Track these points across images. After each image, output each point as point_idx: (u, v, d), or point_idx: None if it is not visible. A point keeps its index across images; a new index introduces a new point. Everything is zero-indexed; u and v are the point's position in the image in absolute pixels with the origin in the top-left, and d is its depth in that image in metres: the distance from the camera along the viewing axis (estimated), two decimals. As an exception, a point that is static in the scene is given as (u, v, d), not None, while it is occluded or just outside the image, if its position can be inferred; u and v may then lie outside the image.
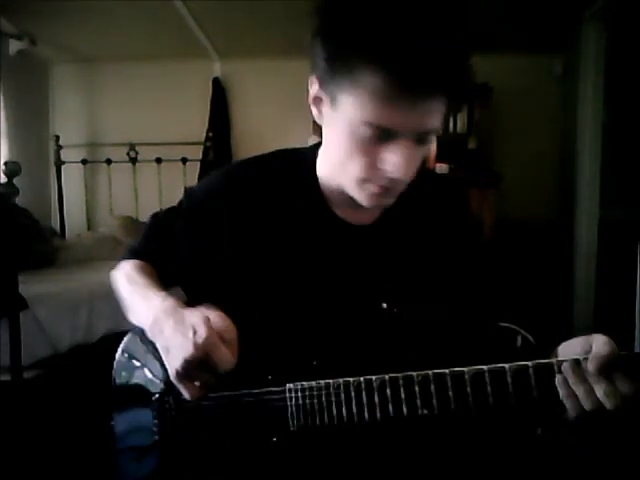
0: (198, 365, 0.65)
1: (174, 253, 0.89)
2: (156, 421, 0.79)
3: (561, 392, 0.60)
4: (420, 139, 0.67)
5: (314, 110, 0.73)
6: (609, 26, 3.00)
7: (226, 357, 0.65)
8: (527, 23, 3.14)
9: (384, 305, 0.80)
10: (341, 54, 0.62)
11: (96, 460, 1.81)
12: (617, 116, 3.15)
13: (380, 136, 0.66)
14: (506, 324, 0.75)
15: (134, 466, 0.80)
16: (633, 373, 0.58)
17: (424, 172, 0.92)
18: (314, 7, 0.64)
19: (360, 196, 0.73)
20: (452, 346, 0.78)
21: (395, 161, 0.66)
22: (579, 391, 0.59)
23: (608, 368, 0.58)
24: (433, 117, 0.65)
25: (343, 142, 0.69)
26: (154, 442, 0.79)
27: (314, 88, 0.70)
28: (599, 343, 0.59)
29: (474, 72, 0.66)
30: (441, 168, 3.12)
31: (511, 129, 3.58)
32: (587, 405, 0.59)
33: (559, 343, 0.65)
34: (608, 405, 0.57)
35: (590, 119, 3.11)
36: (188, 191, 0.92)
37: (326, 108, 0.70)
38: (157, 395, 0.79)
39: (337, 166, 0.74)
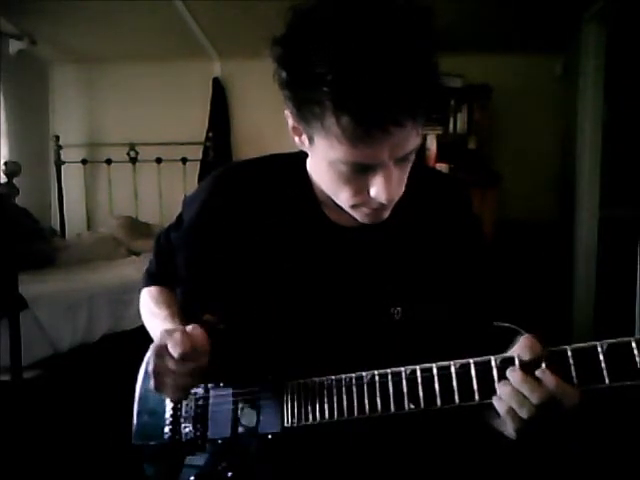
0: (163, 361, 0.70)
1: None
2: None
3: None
4: (400, 160, 0.67)
5: (296, 139, 0.73)
6: (609, 26, 3.00)
7: (175, 341, 0.68)
8: (527, 23, 3.14)
9: (383, 305, 0.80)
10: (306, 102, 0.62)
11: (96, 459, 1.81)
12: (617, 116, 3.15)
13: (358, 169, 0.66)
14: (506, 324, 0.75)
15: None
16: (558, 368, 0.59)
17: (424, 170, 0.92)
18: (273, 38, 0.64)
19: (356, 216, 0.74)
20: (452, 346, 0.78)
21: (378, 188, 0.67)
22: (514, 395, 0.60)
23: (532, 363, 0.60)
24: (408, 142, 0.64)
25: (327, 173, 0.70)
26: None
27: (290, 121, 0.70)
28: (521, 342, 0.62)
29: (442, 84, 0.65)
30: (441, 168, 3.12)
31: (511, 129, 3.58)
32: (521, 410, 0.59)
33: (559, 343, 0.65)
34: (534, 400, 0.59)
35: (590, 119, 3.10)
36: (184, 200, 0.92)
37: (305, 140, 0.70)
38: None
39: (329, 191, 0.74)
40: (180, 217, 0.92)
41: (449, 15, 3.04)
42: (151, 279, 0.99)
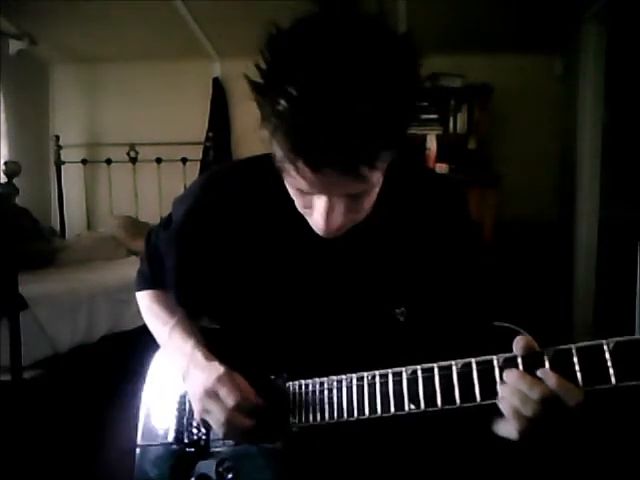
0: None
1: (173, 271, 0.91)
2: None
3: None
4: (348, 196, 0.64)
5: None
6: (609, 26, 3.00)
7: (227, 394, 0.73)
8: (527, 23, 3.14)
9: (387, 306, 0.80)
10: (264, 115, 0.62)
11: (96, 459, 1.81)
12: (617, 116, 3.15)
13: (301, 192, 0.64)
14: (506, 324, 0.75)
15: None
16: (562, 367, 0.57)
17: (421, 171, 0.91)
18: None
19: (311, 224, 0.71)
20: (455, 346, 0.78)
21: (317, 217, 0.65)
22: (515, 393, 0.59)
23: (534, 363, 0.59)
24: (352, 185, 0.61)
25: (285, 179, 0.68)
26: None
27: None
28: (516, 342, 0.61)
29: (407, 127, 0.60)
30: (441, 168, 3.12)
31: (511, 129, 3.57)
32: (524, 407, 0.58)
33: (559, 342, 0.65)
34: (534, 396, 0.57)
35: (590, 119, 3.10)
36: (174, 201, 0.91)
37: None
38: None
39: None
40: (169, 217, 0.90)
41: (449, 15, 3.04)
42: (146, 282, 0.97)
